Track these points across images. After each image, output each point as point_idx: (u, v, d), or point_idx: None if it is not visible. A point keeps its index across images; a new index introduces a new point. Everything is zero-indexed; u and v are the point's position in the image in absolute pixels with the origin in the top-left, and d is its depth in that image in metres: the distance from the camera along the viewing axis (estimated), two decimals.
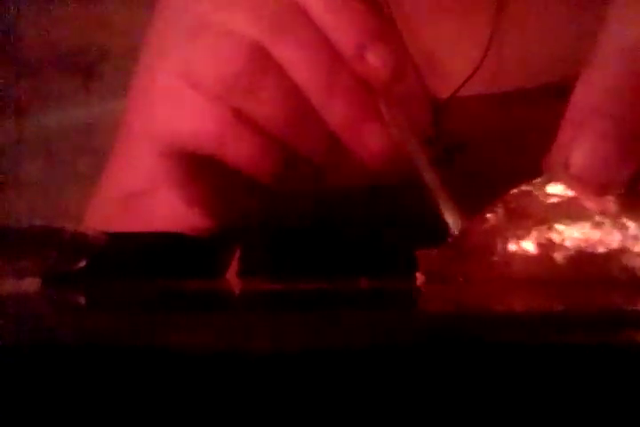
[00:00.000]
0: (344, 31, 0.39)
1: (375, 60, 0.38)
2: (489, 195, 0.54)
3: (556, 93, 0.57)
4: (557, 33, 0.58)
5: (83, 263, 0.38)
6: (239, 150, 0.40)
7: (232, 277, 0.58)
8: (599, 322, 0.21)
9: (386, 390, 0.19)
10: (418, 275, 0.36)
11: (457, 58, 0.59)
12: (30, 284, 0.37)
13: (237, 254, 0.64)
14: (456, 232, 0.37)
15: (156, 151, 0.43)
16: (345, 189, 0.57)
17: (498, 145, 0.55)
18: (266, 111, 0.39)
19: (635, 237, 0.33)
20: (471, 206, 0.38)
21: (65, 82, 1.37)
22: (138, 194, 0.52)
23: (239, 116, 0.39)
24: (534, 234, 0.34)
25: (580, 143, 0.34)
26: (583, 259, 0.33)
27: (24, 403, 0.20)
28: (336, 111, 0.39)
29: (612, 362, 0.19)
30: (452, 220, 0.38)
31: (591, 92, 0.36)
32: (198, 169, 0.43)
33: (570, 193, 0.34)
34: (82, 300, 0.34)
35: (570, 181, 0.34)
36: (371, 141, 0.39)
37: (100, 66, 1.30)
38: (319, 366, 0.19)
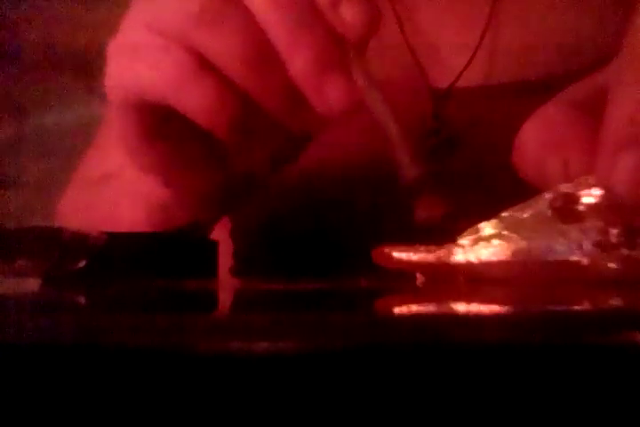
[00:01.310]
0: None
1: (349, 12, 0.38)
2: (487, 184, 0.54)
3: (554, 85, 0.57)
4: (555, 24, 0.58)
5: (83, 263, 0.38)
6: (197, 97, 0.38)
7: (224, 274, 0.58)
8: (599, 322, 0.21)
9: (386, 390, 0.19)
10: (418, 275, 0.36)
11: (456, 49, 0.59)
12: (30, 284, 0.37)
13: (230, 251, 0.64)
14: (414, 182, 0.37)
15: (118, 105, 0.42)
16: (342, 184, 0.57)
17: (496, 135, 0.55)
18: (227, 53, 0.38)
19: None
20: (468, 195, 0.37)
21: (65, 82, 1.37)
22: (110, 174, 0.52)
23: (198, 59, 0.38)
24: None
25: (621, 173, 0.33)
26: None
27: (24, 403, 0.20)
28: (300, 58, 0.37)
29: (611, 362, 0.19)
30: (411, 170, 0.37)
31: (624, 122, 0.35)
32: (156, 127, 0.42)
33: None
34: (82, 300, 0.34)
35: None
36: (332, 92, 0.38)
37: (99, 66, 1.30)
38: (319, 366, 0.19)
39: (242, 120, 0.39)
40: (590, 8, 0.58)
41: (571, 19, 0.58)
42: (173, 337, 0.20)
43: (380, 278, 0.39)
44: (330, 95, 0.38)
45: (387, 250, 0.36)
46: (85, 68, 1.35)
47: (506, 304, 0.29)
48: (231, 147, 0.43)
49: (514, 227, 0.34)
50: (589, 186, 0.34)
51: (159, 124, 0.42)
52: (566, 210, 0.34)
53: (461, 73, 0.57)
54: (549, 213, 0.34)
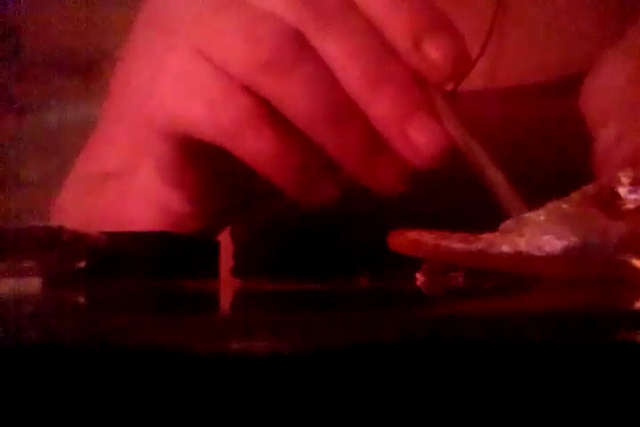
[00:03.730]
0: (399, 20, 0.35)
1: (434, 52, 0.35)
2: (486, 191, 0.53)
3: (557, 89, 0.57)
4: (558, 29, 0.58)
5: (83, 263, 0.38)
6: (256, 146, 0.36)
7: (226, 274, 0.58)
8: (599, 322, 0.21)
9: (385, 390, 0.19)
10: (418, 275, 0.36)
11: None
12: (30, 284, 0.37)
13: (231, 251, 0.64)
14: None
15: (156, 132, 0.39)
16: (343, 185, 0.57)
17: (498, 140, 0.55)
18: (296, 104, 0.35)
19: None
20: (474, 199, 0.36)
21: (65, 82, 1.37)
22: (115, 173, 0.50)
23: (264, 107, 0.35)
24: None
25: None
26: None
27: (24, 403, 0.20)
28: (381, 106, 0.35)
29: (612, 362, 0.19)
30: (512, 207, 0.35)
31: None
32: (197, 155, 0.39)
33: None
34: (82, 300, 0.34)
35: None
36: (419, 138, 0.35)
37: (99, 66, 1.30)
38: (319, 366, 0.19)
39: (302, 171, 0.37)
40: (592, 11, 0.58)
41: (573, 22, 0.58)
42: (173, 337, 0.20)
43: (380, 278, 0.39)
44: (417, 140, 0.35)
45: (413, 235, 0.34)
46: (85, 68, 1.35)
47: (508, 303, 0.29)
48: (282, 191, 0.40)
49: (561, 220, 0.32)
50: (630, 181, 0.33)
51: (202, 154, 0.39)
52: (610, 206, 0.33)
53: (464, 76, 0.57)
54: (593, 208, 0.33)
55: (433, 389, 0.19)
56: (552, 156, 0.54)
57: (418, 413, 0.19)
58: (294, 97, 0.35)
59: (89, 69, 1.32)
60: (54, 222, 0.52)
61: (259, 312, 0.27)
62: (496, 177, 0.36)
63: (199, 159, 0.40)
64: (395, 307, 0.28)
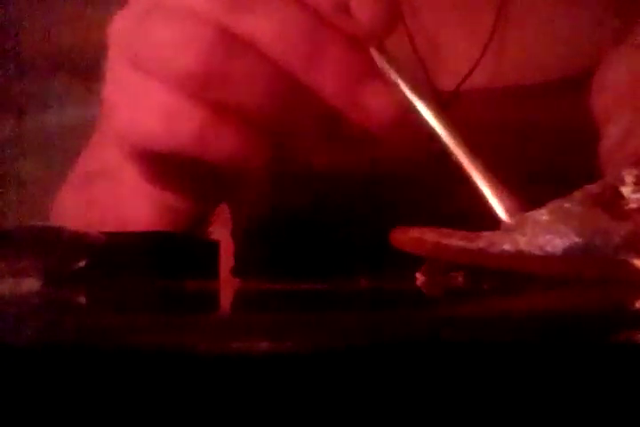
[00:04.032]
0: None
1: (361, 12, 0.34)
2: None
3: (558, 89, 0.57)
4: (559, 29, 0.58)
5: (83, 263, 0.38)
6: (222, 148, 0.35)
7: (226, 274, 0.58)
8: (599, 322, 0.21)
9: (386, 390, 0.19)
10: (418, 275, 0.36)
11: (460, 51, 0.59)
12: (30, 284, 0.37)
13: (231, 251, 0.64)
14: (508, 219, 0.34)
15: (124, 153, 0.39)
16: (345, 185, 0.57)
17: (500, 139, 0.55)
18: (249, 100, 0.34)
19: None
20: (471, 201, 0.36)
21: (65, 82, 1.37)
22: (105, 171, 0.50)
23: (219, 110, 0.35)
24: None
25: None
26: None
27: (24, 403, 0.20)
28: (327, 79, 0.34)
29: (611, 362, 0.19)
30: (502, 205, 0.34)
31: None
32: (169, 167, 0.39)
33: None
34: (82, 300, 0.34)
35: None
36: (373, 102, 0.34)
37: (99, 66, 1.30)
38: (319, 366, 0.19)
39: (273, 155, 0.36)
40: (591, 12, 0.58)
41: (573, 22, 0.58)
42: (173, 337, 0.20)
43: (380, 278, 0.39)
44: (372, 105, 0.34)
45: (416, 233, 0.34)
46: (85, 68, 1.35)
47: (508, 303, 0.29)
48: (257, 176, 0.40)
49: (563, 219, 0.32)
50: (635, 180, 0.33)
51: (174, 163, 0.38)
52: (613, 205, 0.33)
53: (467, 76, 0.57)
54: (596, 208, 0.33)
55: (433, 389, 0.19)
56: (553, 155, 0.54)
57: (418, 413, 0.19)
58: (242, 97, 0.34)
59: (89, 69, 1.32)
60: (54, 222, 0.52)
61: (259, 312, 0.27)
62: (447, 133, 0.35)
63: (173, 167, 0.39)
64: (395, 307, 0.28)
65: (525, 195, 0.35)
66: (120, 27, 0.37)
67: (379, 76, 0.35)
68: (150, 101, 0.36)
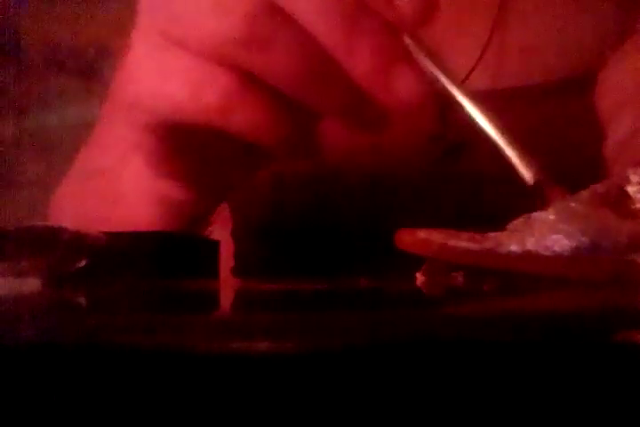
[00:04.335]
0: None
1: (403, 1, 0.35)
2: (493, 191, 0.54)
3: (560, 89, 0.57)
4: (559, 29, 0.58)
5: (83, 263, 0.38)
6: (246, 117, 0.36)
7: (226, 274, 0.58)
8: (599, 322, 0.21)
9: (386, 390, 0.19)
10: (418, 275, 0.36)
11: (462, 52, 0.59)
12: (30, 284, 0.37)
13: (231, 251, 0.64)
14: (535, 181, 0.35)
15: (138, 123, 0.39)
16: (344, 185, 0.57)
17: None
18: (279, 70, 0.35)
19: None
20: (474, 201, 0.36)
21: (65, 82, 1.37)
22: (106, 168, 0.49)
23: (247, 79, 0.36)
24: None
25: None
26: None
27: (24, 403, 0.20)
28: (360, 58, 0.35)
29: (612, 362, 0.19)
30: (527, 169, 0.35)
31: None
32: (185, 140, 0.39)
33: None
34: (82, 300, 0.34)
35: None
36: (401, 85, 0.35)
37: (99, 66, 1.30)
38: (319, 366, 0.19)
39: (294, 135, 0.37)
40: (592, 12, 0.58)
41: (574, 23, 0.58)
42: (173, 337, 0.20)
43: (380, 278, 0.39)
44: (400, 89, 0.36)
45: (422, 235, 0.34)
46: (85, 68, 1.35)
47: (508, 303, 0.29)
48: (278, 156, 0.41)
49: (570, 219, 0.32)
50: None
51: (189, 138, 0.39)
52: (620, 205, 0.33)
53: (468, 76, 0.58)
54: (603, 208, 0.33)
55: (433, 389, 0.19)
56: (557, 155, 0.54)
57: (418, 413, 0.19)
58: (277, 66, 0.35)
59: (89, 69, 1.32)
60: (53, 221, 0.52)
61: (259, 312, 0.27)
62: (481, 117, 0.36)
63: (187, 144, 0.40)
64: (395, 307, 0.28)
65: (530, 202, 0.36)
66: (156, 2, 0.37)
67: (409, 61, 0.36)
68: (178, 69, 0.36)
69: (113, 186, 0.48)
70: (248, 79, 0.36)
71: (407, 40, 0.37)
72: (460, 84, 0.37)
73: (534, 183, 0.35)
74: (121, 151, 0.45)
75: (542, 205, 0.34)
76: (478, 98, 0.37)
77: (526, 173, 0.35)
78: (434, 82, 0.37)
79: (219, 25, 0.35)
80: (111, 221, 0.44)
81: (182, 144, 0.40)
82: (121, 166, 0.46)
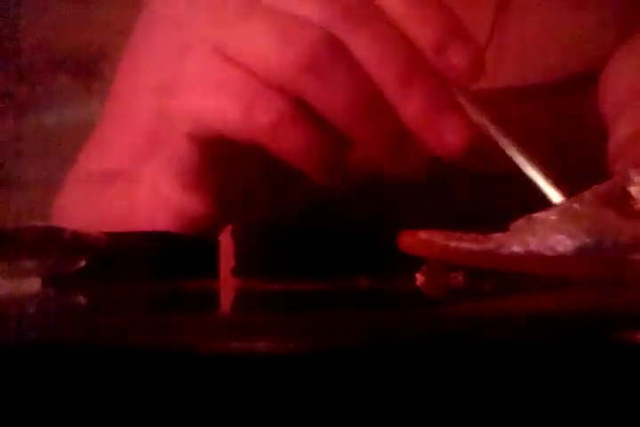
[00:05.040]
0: (424, 25, 0.37)
1: (456, 57, 0.37)
2: (493, 191, 0.54)
3: (560, 89, 0.57)
4: (559, 29, 0.58)
5: (83, 263, 0.38)
6: (292, 140, 0.37)
7: (226, 274, 0.58)
8: (599, 322, 0.21)
9: (385, 390, 0.19)
10: (418, 275, 0.36)
11: None
12: (30, 284, 0.37)
13: (231, 251, 0.64)
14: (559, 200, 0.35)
15: (178, 133, 0.40)
16: (344, 186, 0.57)
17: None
18: (332, 100, 0.37)
19: None
20: (476, 202, 0.37)
21: (65, 82, 1.37)
22: (116, 173, 0.50)
23: (297, 104, 0.37)
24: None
25: None
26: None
27: (24, 403, 0.20)
28: (412, 103, 0.37)
29: (611, 362, 0.19)
30: (556, 195, 0.36)
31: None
32: (220, 155, 0.41)
33: None
34: (82, 300, 0.34)
35: None
36: (449, 133, 0.37)
37: (99, 66, 1.30)
38: (319, 366, 0.19)
39: (332, 162, 0.39)
40: (592, 11, 0.58)
41: (574, 23, 0.58)
42: (173, 337, 0.20)
43: (380, 278, 0.39)
44: (448, 136, 0.37)
45: (424, 236, 0.34)
46: (85, 68, 1.35)
47: (508, 303, 0.29)
48: (310, 180, 0.42)
49: (573, 220, 0.32)
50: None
51: (225, 153, 0.40)
52: (622, 205, 0.33)
53: (480, 76, 0.57)
54: (605, 208, 0.33)
55: (433, 389, 0.19)
56: (557, 155, 0.54)
57: (418, 413, 0.19)
58: (331, 96, 0.37)
59: (89, 69, 1.32)
60: (56, 222, 0.52)
61: (259, 312, 0.27)
62: (525, 162, 0.38)
63: (221, 159, 0.41)
64: (395, 307, 0.28)
65: (530, 203, 0.36)
66: (211, 18, 0.39)
67: (457, 110, 0.38)
68: (232, 85, 0.37)
69: (128, 190, 0.47)
70: (299, 104, 0.37)
71: (457, 92, 0.39)
72: (506, 134, 0.39)
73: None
74: (137, 155, 0.45)
75: None
76: (511, 135, 0.38)
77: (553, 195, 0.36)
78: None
79: (283, 50, 0.36)
80: (121, 227, 0.44)
81: (217, 158, 0.41)
82: (136, 171, 0.46)
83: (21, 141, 1.36)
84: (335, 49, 0.37)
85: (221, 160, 0.41)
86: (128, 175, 0.48)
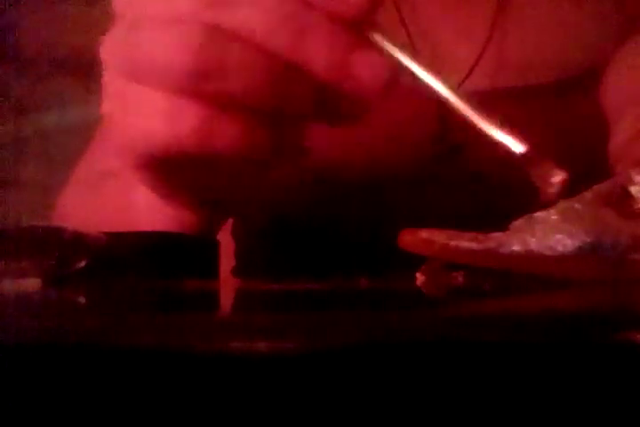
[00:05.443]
0: None
1: None
2: (492, 191, 0.54)
3: (560, 89, 0.57)
4: (560, 29, 0.58)
5: (83, 263, 0.38)
6: (224, 140, 0.36)
7: (226, 274, 0.58)
8: (599, 322, 0.21)
9: (385, 390, 0.19)
10: (418, 275, 0.36)
11: (461, 52, 0.59)
12: (30, 284, 0.37)
13: (231, 251, 0.64)
14: (521, 156, 0.34)
15: (131, 166, 0.39)
16: (345, 186, 0.57)
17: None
18: (245, 88, 0.36)
19: None
20: (475, 202, 0.36)
21: (65, 82, 1.37)
22: (117, 173, 0.50)
23: (217, 103, 0.36)
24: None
25: None
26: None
27: (24, 403, 0.20)
28: (315, 56, 0.35)
29: (612, 362, 0.19)
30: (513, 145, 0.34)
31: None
32: (178, 169, 0.39)
33: None
34: (82, 300, 0.34)
35: None
36: (362, 72, 0.35)
37: (99, 66, 1.30)
38: (319, 366, 0.19)
39: (279, 143, 0.38)
40: (592, 12, 0.58)
41: (574, 22, 0.58)
42: (173, 337, 0.20)
43: (380, 278, 0.39)
44: (362, 76, 0.36)
45: (425, 235, 0.34)
46: (85, 68, 1.35)
47: (508, 303, 0.29)
48: (269, 165, 0.41)
49: (573, 219, 0.32)
50: None
51: (181, 166, 0.39)
52: (623, 205, 0.33)
53: (467, 76, 0.57)
54: (606, 208, 0.33)
55: (433, 389, 0.19)
56: (558, 155, 0.54)
57: (418, 413, 0.19)
58: (238, 87, 0.35)
59: (89, 69, 1.32)
60: (57, 222, 0.52)
61: (259, 312, 0.27)
62: (458, 101, 0.36)
63: (181, 172, 0.40)
64: (395, 307, 0.28)
65: (529, 203, 0.35)
66: (110, 44, 0.38)
67: (365, 46, 0.36)
68: (149, 108, 0.37)
69: (126, 192, 0.47)
70: (218, 102, 0.36)
71: (372, 37, 0.36)
72: (433, 73, 0.37)
73: (523, 155, 0.34)
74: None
75: (533, 178, 0.34)
76: (449, 83, 0.37)
77: (514, 145, 0.35)
78: (408, 75, 0.36)
79: (172, 62, 0.35)
80: (122, 227, 0.44)
81: (177, 173, 0.40)
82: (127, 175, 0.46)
83: (21, 142, 1.36)
84: (218, 39, 0.35)
85: (183, 174, 0.40)
86: (118, 176, 0.48)
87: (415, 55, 0.37)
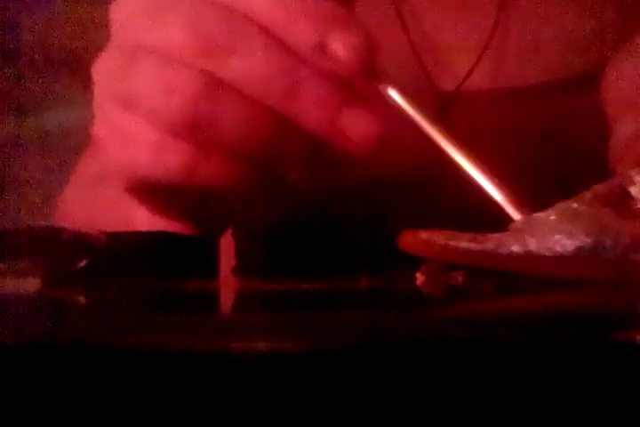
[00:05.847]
0: (296, 27, 0.35)
1: (340, 52, 0.35)
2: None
3: (560, 89, 0.57)
4: (560, 29, 0.58)
5: (83, 263, 0.38)
6: (209, 178, 0.36)
7: (226, 274, 0.58)
8: (599, 322, 0.21)
9: (385, 390, 0.19)
10: (418, 275, 0.36)
11: (462, 52, 0.59)
12: (30, 284, 0.37)
13: (231, 251, 0.64)
14: (519, 216, 0.34)
15: (121, 188, 0.40)
16: (344, 186, 0.57)
17: (504, 140, 0.55)
18: (235, 137, 0.36)
19: None
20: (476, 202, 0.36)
21: (65, 82, 1.37)
22: (108, 173, 0.50)
23: (205, 146, 0.36)
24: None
25: None
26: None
27: (24, 403, 0.20)
28: (307, 111, 0.35)
29: (611, 362, 0.19)
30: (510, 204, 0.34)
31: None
32: (163, 197, 0.40)
33: None
34: (82, 300, 0.34)
35: None
36: (354, 129, 0.35)
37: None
38: (319, 366, 0.19)
39: (259, 183, 0.38)
40: (593, 11, 0.58)
41: (574, 23, 0.58)
42: (173, 337, 0.20)
43: (380, 278, 0.39)
44: (354, 133, 0.35)
45: (424, 236, 0.34)
46: (85, 68, 1.35)
47: (508, 303, 0.29)
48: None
49: (572, 220, 0.32)
50: None
51: (168, 192, 0.39)
52: (622, 205, 0.33)
53: (467, 76, 0.57)
54: (605, 208, 0.33)
55: (433, 389, 0.19)
56: (558, 155, 0.54)
57: (418, 413, 0.19)
58: (229, 136, 0.35)
59: (89, 69, 1.32)
60: (58, 221, 0.52)
61: (259, 312, 0.27)
62: (470, 167, 0.36)
63: (169, 196, 0.40)
64: (395, 307, 0.28)
65: (530, 195, 0.35)
66: (105, 68, 0.38)
67: (357, 102, 0.36)
68: (137, 139, 0.37)
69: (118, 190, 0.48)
70: (206, 146, 0.36)
71: (384, 90, 0.36)
72: (440, 128, 0.36)
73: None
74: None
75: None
76: (456, 140, 0.36)
77: (514, 213, 0.35)
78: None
79: (164, 104, 0.35)
80: (123, 227, 0.44)
81: (165, 195, 0.40)
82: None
83: (21, 141, 1.36)
84: (211, 89, 0.35)
85: (171, 198, 0.40)
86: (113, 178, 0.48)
87: (423, 111, 0.36)
